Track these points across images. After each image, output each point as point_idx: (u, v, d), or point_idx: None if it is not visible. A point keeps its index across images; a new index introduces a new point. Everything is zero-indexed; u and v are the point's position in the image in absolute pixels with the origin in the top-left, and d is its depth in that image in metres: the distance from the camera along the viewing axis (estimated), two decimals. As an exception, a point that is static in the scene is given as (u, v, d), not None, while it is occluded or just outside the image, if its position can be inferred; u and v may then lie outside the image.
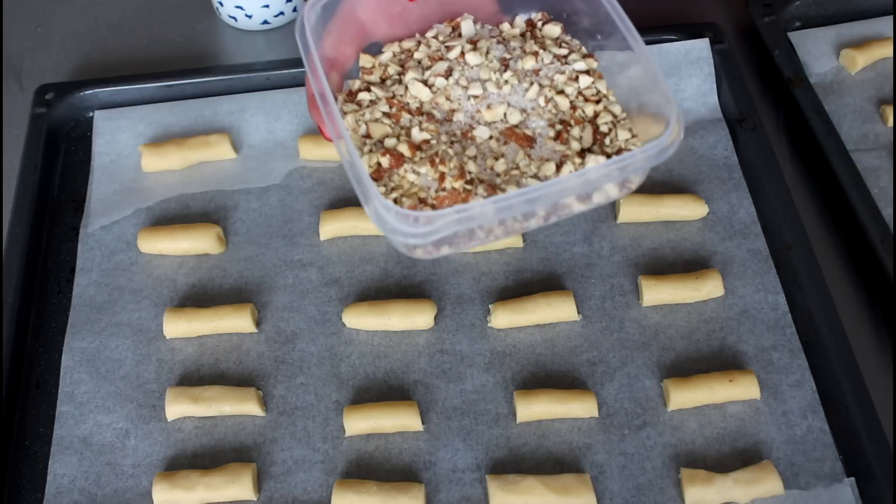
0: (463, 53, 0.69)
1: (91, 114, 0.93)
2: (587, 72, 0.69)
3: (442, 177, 0.62)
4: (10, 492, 0.73)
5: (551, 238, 0.85)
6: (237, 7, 1.00)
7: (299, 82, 0.93)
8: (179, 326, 0.79)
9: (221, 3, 1.01)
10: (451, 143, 0.65)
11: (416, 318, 0.79)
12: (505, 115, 0.67)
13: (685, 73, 0.93)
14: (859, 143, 0.90)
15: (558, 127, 0.66)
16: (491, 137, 0.66)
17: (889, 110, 0.91)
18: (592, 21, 0.69)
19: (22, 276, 0.81)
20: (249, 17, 1.00)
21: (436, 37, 0.71)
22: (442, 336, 0.80)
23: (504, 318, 0.79)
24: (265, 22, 1.01)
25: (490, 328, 0.80)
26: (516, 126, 0.66)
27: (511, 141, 0.65)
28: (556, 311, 0.79)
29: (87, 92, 0.93)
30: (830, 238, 0.86)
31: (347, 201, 0.87)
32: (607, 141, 0.65)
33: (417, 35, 0.72)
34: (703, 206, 0.85)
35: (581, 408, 0.74)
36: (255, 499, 0.72)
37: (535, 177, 0.63)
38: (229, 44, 1.02)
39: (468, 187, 0.62)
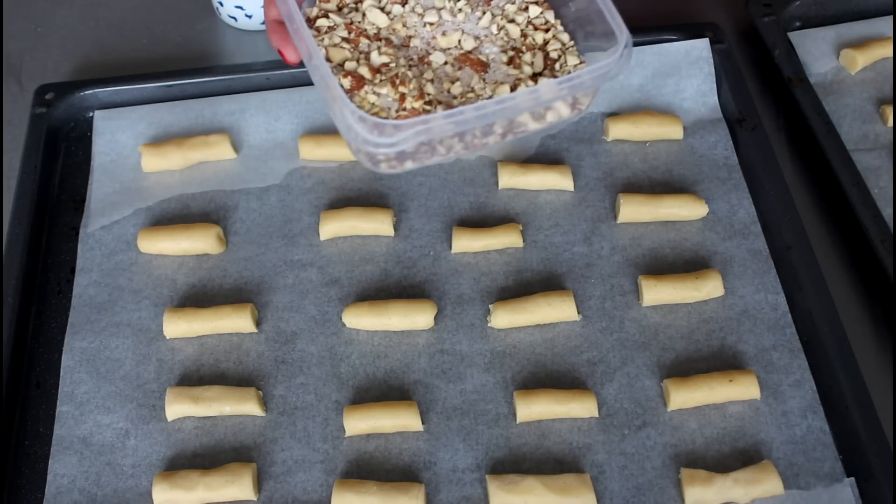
0: None
1: (91, 114, 0.93)
2: (536, 2, 0.71)
3: (402, 97, 0.64)
4: (10, 492, 0.73)
5: (551, 238, 0.85)
6: (237, 7, 1.00)
7: (300, 82, 0.93)
8: (179, 326, 0.79)
9: (221, 3, 1.01)
10: (409, 66, 0.67)
11: (416, 318, 0.79)
12: (459, 41, 0.69)
13: (685, 73, 0.93)
14: (859, 143, 0.90)
15: (510, 53, 0.69)
16: (446, 63, 0.68)
17: (889, 110, 0.91)
18: None
19: (22, 276, 0.81)
20: (249, 17, 1.00)
21: None
22: (442, 336, 0.80)
23: (504, 318, 0.79)
24: (265, 22, 1.01)
25: (490, 328, 0.80)
26: (470, 52, 0.68)
27: (466, 66, 0.68)
28: (556, 311, 0.79)
29: (87, 92, 0.93)
30: (830, 238, 0.86)
31: (347, 201, 0.87)
32: (557, 66, 0.68)
33: None
34: (703, 206, 0.85)
35: (581, 408, 0.75)
36: (255, 499, 0.72)
37: (491, 98, 0.65)
38: (229, 44, 1.02)
39: (427, 108, 0.64)
